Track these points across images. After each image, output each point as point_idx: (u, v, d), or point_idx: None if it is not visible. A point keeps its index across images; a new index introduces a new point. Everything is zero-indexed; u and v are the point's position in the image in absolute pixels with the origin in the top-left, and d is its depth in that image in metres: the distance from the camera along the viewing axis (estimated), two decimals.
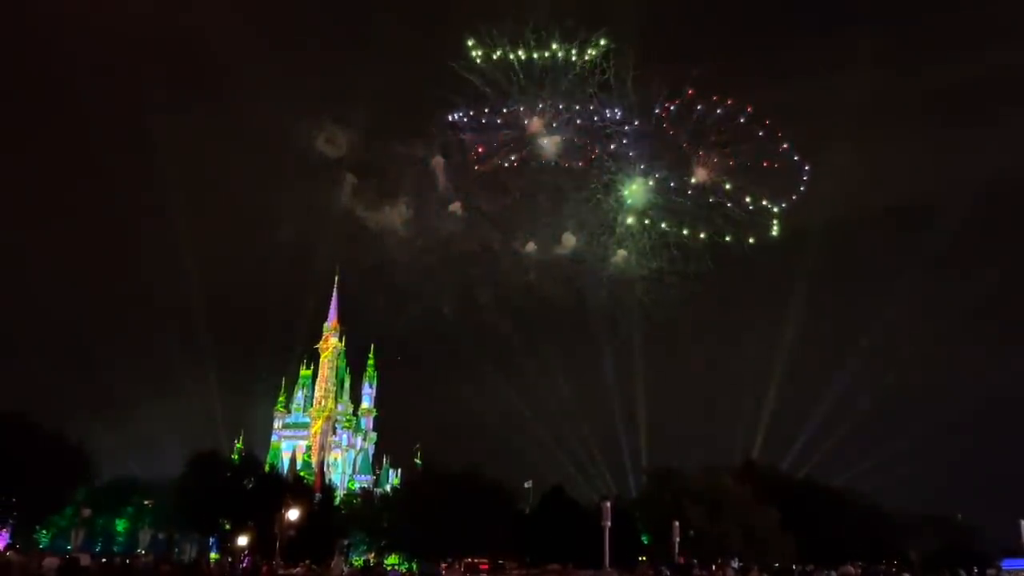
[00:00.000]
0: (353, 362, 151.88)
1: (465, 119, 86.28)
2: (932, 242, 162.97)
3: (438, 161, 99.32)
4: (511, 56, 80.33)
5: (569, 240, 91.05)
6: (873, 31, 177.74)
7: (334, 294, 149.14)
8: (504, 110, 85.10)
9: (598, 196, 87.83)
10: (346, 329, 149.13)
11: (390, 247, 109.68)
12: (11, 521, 73.45)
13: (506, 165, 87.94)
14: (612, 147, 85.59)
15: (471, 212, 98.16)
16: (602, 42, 79.32)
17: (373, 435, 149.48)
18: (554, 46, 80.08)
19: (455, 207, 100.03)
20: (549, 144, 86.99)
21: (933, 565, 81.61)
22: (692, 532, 75.04)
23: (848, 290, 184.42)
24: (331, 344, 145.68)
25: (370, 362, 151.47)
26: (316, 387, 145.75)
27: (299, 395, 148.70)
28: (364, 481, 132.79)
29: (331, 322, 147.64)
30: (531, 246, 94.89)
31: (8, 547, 69.58)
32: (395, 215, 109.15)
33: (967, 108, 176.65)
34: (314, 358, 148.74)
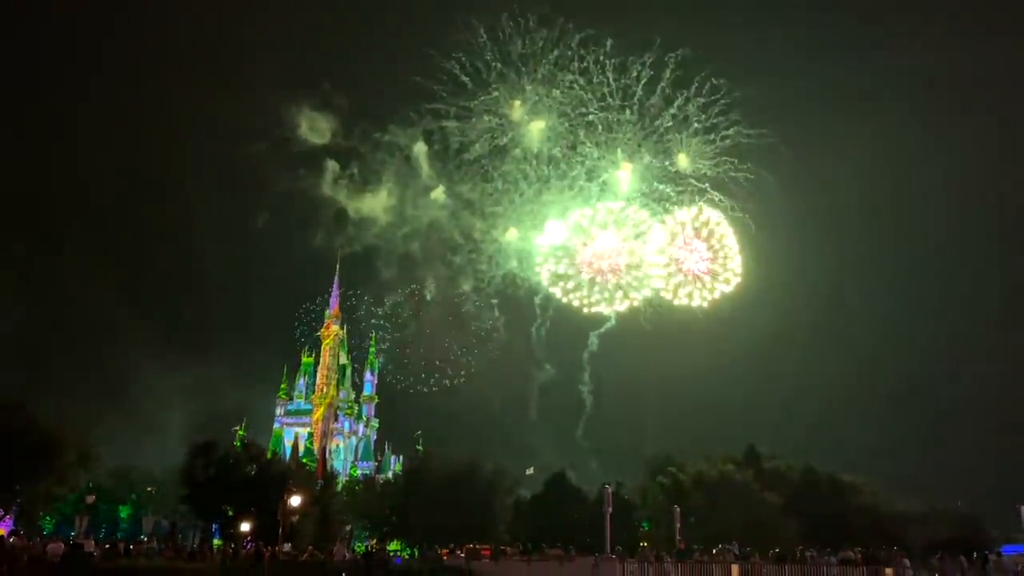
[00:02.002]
0: (354, 349, 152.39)
1: (447, 106, 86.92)
2: (934, 229, 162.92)
3: (420, 148, 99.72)
4: (490, 43, 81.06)
5: (553, 228, 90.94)
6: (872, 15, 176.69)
7: (335, 281, 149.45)
8: (485, 96, 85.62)
9: (580, 183, 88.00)
10: (347, 316, 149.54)
11: (372, 235, 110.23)
12: (15, 508, 73.66)
13: (488, 152, 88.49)
14: (595, 133, 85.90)
15: (453, 199, 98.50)
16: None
17: (375, 422, 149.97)
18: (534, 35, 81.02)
19: (437, 193, 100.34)
20: (532, 130, 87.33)
21: (933, 551, 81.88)
22: (693, 518, 75.32)
23: (849, 277, 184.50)
24: (332, 331, 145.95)
25: (371, 349, 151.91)
26: (317, 374, 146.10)
27: (300, 382, 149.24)
28: (366, 468, 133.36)
29: (332, 309, 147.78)
30: (512, 233, 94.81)
31: (12, 533, 69.83)
32: (377, 203, 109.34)
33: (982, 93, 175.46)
34: (315, 345, 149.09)
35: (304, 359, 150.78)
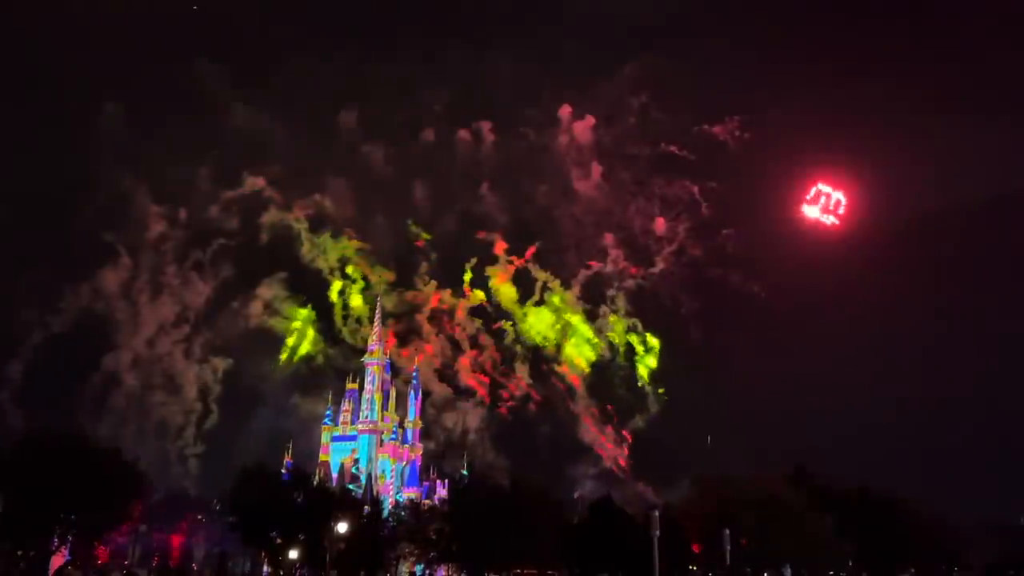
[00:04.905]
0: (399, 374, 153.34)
1: None
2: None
3: None
4: None
5: None
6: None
7: (378, 307, 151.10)
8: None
9: None
10: (391, 343, 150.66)
11: None
12: (69, 538, 74.99)
13: None
14: None
15: None
16: None
17: (419, 447, 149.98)
18: None
19: None
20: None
21: (995, 571, 79.29)
22: (744, 539, 73.76)
23: (899, 292, 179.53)
24: (376, 357, 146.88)
25: (415, 373, 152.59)
26: (362, 400, 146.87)
27: (346, 408, 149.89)
28: (411, 493, 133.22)
29: (376, 335, 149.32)
30: None
31: (67, 563, 71.12)
32: None
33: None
34: (360, 371, 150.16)
35: (348, 385, 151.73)
